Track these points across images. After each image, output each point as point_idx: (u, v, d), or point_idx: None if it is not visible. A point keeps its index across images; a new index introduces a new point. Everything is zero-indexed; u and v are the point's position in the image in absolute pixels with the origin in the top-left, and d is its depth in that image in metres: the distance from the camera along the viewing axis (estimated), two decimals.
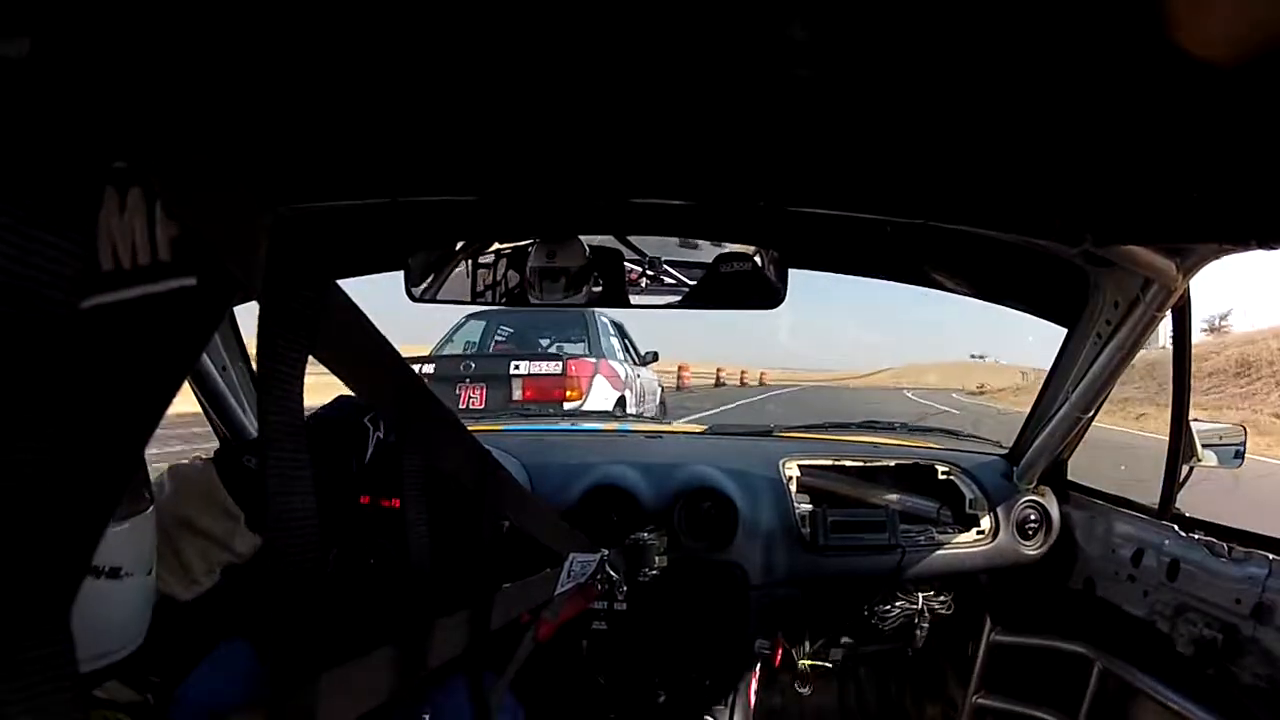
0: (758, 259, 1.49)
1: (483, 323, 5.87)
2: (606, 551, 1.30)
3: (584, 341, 5.68)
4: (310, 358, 0.38)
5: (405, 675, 0.52)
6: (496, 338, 5.83)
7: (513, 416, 2.35)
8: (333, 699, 0.42)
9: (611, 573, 1.31)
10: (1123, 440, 12.66)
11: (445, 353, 5.45)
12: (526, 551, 1.05)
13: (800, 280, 1.51)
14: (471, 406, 4.54)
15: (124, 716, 0.66)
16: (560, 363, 4.95)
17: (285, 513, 0.36)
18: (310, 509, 0.37)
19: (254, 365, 1.62)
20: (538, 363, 4.93)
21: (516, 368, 4.83)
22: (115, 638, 0.64)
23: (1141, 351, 1.49)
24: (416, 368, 4.61)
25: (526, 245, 1.48)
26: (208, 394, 1.59)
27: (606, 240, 1.52)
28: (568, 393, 4.79)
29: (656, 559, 1.52)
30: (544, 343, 5.83)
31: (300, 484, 0.37)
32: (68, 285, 0.24)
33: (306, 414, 0.40)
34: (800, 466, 1.84)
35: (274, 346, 0.35)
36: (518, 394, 4.69)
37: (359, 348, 0.44)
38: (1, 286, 0.22)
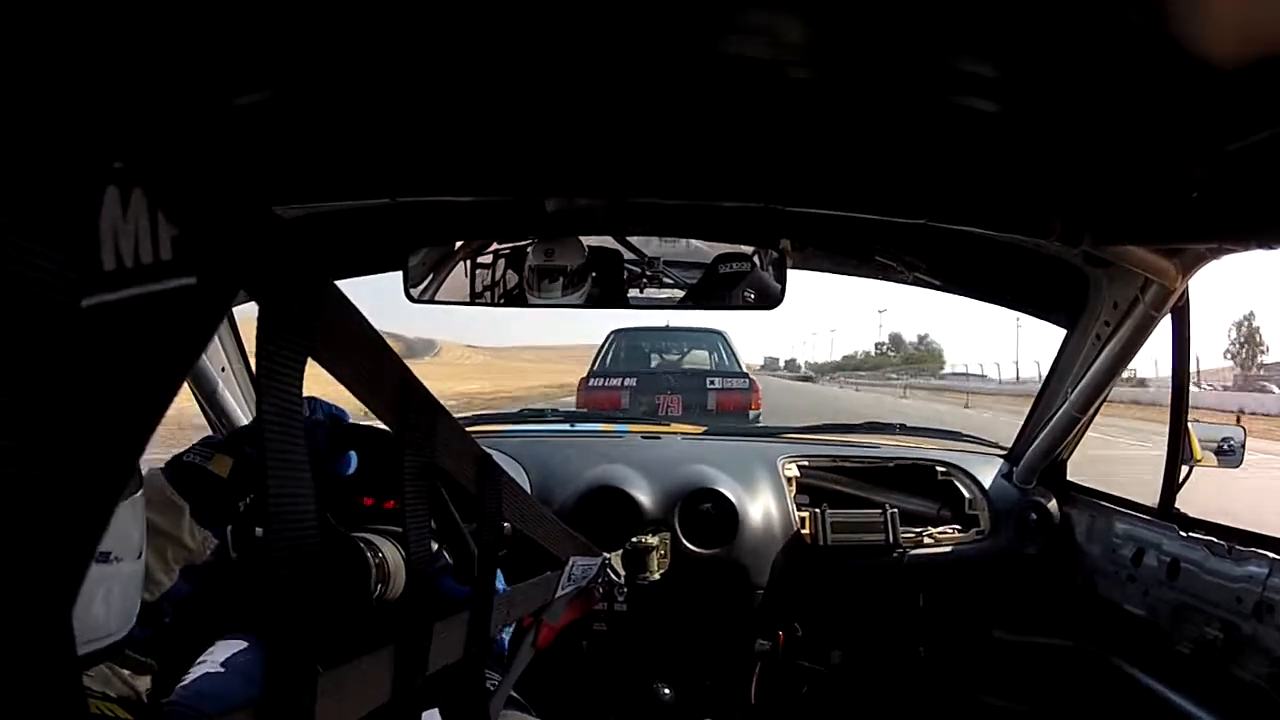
0: (757, 259, 1.49)
1: (629, 340, 6.85)
2: (607, 555, 1.29)
3: (715, 357, 6.75)
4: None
5: (404, 678, 0.52)
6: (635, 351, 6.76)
7: (522, 418, 2.34)
8: (331, 700, 0.42)
9: (613, 576, 1.30)
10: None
11: (643, 369, 6.47)
12: (527, 555, 1.05)
13: None
14: (670, 413, 5.37)
15: (118, 708, 0.66)
16: (748, 379, 6.09)
17: (285, 514, 0.36)
18: (309, 510, 0.37)
19: (253, 366, 1.63)
20: (730, 379, 6.05)
21: (712, 383, 5.90)
22: (103, 624, 0.63)
23: None
24: (619, 381, 5.82)
25: (525, 245, 1.48)
26: (207, 394, 1.59)
27: (605, 240, 1.51)
28: (752, 405, 5.74)
29: (657, 562, 1.51)
30: (674, 358, 6.84)
31: (300, 485, 0.37)
32: (66, 285, 0.24)
33: None
34: (800, 467, 1.84)
35: (272, 348, 0.35)
36: (712, 405, 5.66)
37: (358, 349, 0.44)
38: (1, 287, 0.22)
